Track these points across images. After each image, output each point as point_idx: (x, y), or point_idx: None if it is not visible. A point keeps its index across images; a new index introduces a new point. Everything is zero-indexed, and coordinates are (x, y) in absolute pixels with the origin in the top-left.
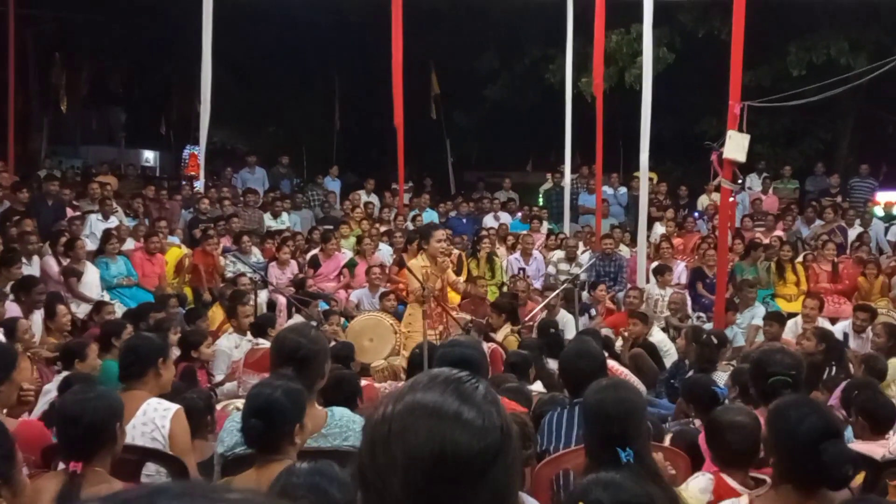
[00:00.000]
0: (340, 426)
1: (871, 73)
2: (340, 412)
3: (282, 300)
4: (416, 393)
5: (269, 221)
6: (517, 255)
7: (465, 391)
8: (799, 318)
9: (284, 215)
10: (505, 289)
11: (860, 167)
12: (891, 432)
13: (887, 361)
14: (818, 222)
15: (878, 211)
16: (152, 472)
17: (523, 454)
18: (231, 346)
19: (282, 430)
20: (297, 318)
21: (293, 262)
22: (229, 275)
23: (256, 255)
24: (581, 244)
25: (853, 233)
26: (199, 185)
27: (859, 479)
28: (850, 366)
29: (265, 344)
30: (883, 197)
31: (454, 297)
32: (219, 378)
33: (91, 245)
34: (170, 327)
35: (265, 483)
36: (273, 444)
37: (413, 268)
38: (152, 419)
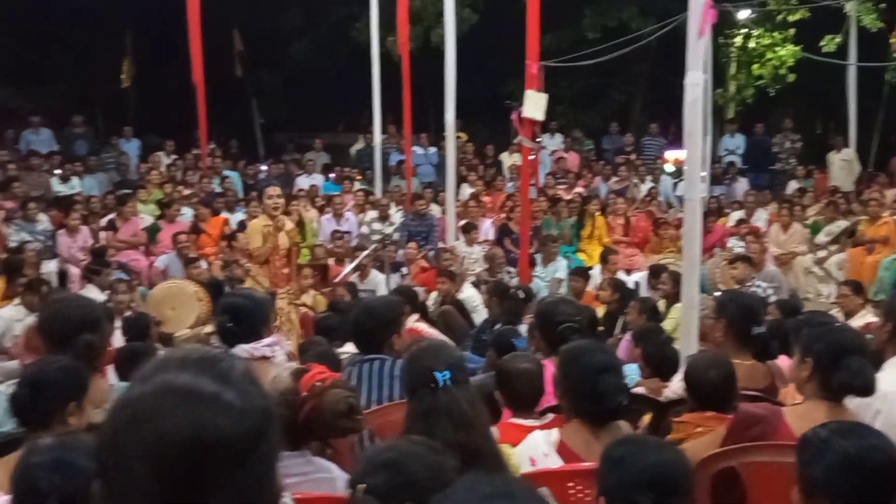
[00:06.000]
0: None
1: (657, 32)
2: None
3: (74, 271)
4: (168, 373)
5: (57, 186)
6: (329, 216)
7: (221, 371)
8: (597, 270)
9: (75, 179)
10: (320, 251)
11: (650, 126)
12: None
13: (673, 306)
14: (613, 179)
15: (668, 167)
16: None
17: (359, 424)
18: (14, 318)
19: (51, 404)
20: (91, 289)
21: (85, 229)
22: (12, 244)
23: (43, 222)
24: (393, 204)
25: (644, 188)
26: None
27: (646, 419)
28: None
29: None
30: (672, 154)
31: None
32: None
33: None
34: None
35: None
36: (41, 420)
37: (254, 228)
38: None
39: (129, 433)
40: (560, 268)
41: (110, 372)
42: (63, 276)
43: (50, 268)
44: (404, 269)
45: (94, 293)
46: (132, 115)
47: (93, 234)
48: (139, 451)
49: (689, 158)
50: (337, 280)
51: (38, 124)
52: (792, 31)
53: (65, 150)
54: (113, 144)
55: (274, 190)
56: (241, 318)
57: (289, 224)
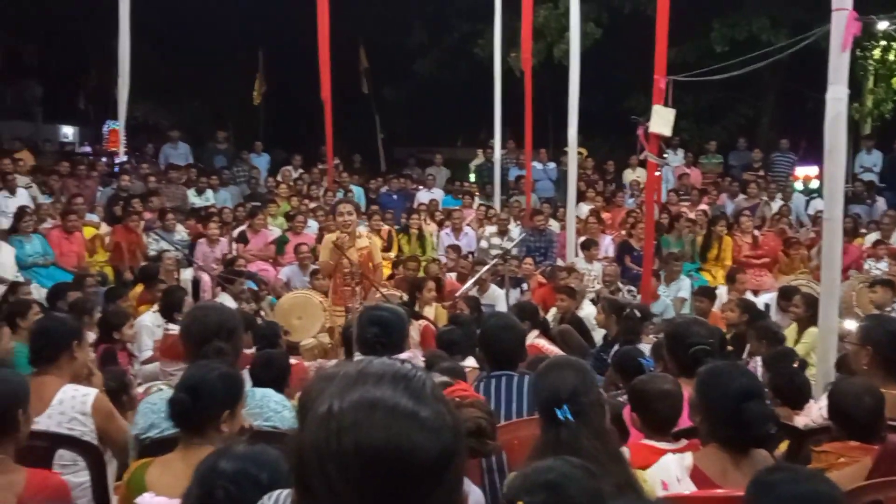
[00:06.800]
0: (260, 406)
1: (790, 48)
2: (262, 392)
3: (206, 279)
4: (367, 387)
5: (193, 198)
6: (448, 230)
7: (416, 388)
8: (723, 290)
9: (209, 192)
10: (435, 265)
11: (780, 142)
12: (811, 401)
13: (806, 331)
14: (741, 197)
15: (799, 185)
16: (68, 461)
17: (487, 447)
18: (155, 324)
19: (209, 411)
20: (224, 296)
21: (223, 240)
22: (152, 253)
23: (181, 232)
24: (512, 219)
25: (774, 206)
26: (120, 161)
27: (783, 447)
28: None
29: (176, 329)
30: (802, 171)
31: (385, 273)
32: (145, 355)
33: (6, 223)
34: (93, 307)
35: (191, 466)
36: (197, 425)
37: (325, 243)
38: (71, 407)
39: (331, 446)
40: (683, 287)
41: (245, 376)
42: (196, 284)
43: (185, 276)
44: (524, 285)
45: (228, 301)
46: (262, 131)
47: (228, 245)
48: (340, 464)
49: (829, 176)
50: (458, 294)
51: (177, 139)
52: None
53: (205, 164)
54: (244, 159)
55: (345, 207)
56: (389, 331)
57: (362, 241)
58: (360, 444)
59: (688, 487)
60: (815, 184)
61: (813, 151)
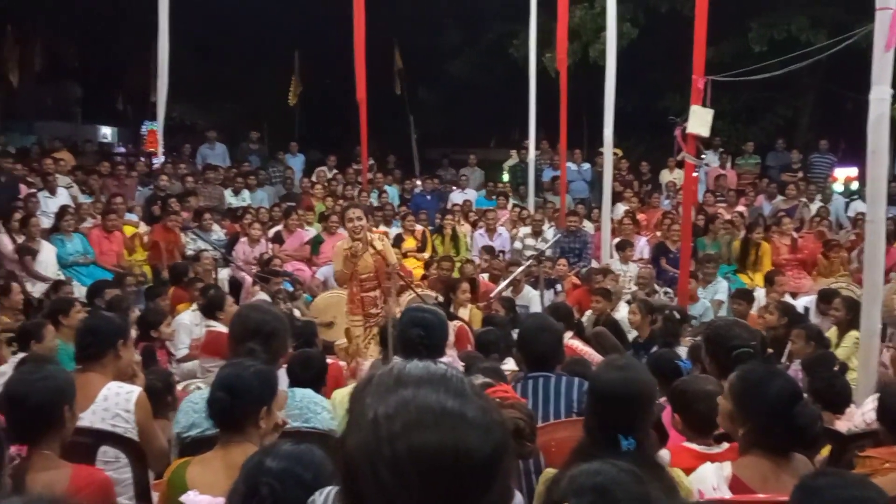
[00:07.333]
0: (300, 407)
1: (830, 48)
2: (302, 393)
3: (248, 279)
4: (409, 391)
5: (229, 198)
6: (482, 231)
7: (456, 387)
8: (761, 293)
9: (245, 192)
10: (470, 266)
11: (819, 143)
12: (852, 405)
13: (847, 334)
14: (779, 198)
15: (838, 186)
16: (111, 458)
17: (526, 449)
18: (193, 323)
19: (247, 408)
20: (261, 295)
21: (263, 240)
22: (190, 252)
23: (217, 232)
24: (546, 220)
25: (813, 208)
26: (158, 161)
27: (825, 452)
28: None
29: (217, 326)
30: (841, 172)
31: (419, 273)
32: (181, 353)
33: (47, 223)
34: (130, 306)
35: (231, 464)
36: (236, 422)
37: (337, 250)
38: (115, 403)
39: (384, 452)
40: (720, 289)
41: (282, 374)
42: (234, 283)
43: (222, 276)
44: (558, 286)
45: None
46: (297, 132)
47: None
48: (395, 470)
49: (872, 177)
50: (493, 295)
51: (214, 139)
52: None
53: (237, 164)
54: (279, 159)
55: (354, 212)
56: (431, 332)
57: (377, 245)
58: (413, 449)
59: (724, 495)
60: (855, 185)
61: (852, 152)
